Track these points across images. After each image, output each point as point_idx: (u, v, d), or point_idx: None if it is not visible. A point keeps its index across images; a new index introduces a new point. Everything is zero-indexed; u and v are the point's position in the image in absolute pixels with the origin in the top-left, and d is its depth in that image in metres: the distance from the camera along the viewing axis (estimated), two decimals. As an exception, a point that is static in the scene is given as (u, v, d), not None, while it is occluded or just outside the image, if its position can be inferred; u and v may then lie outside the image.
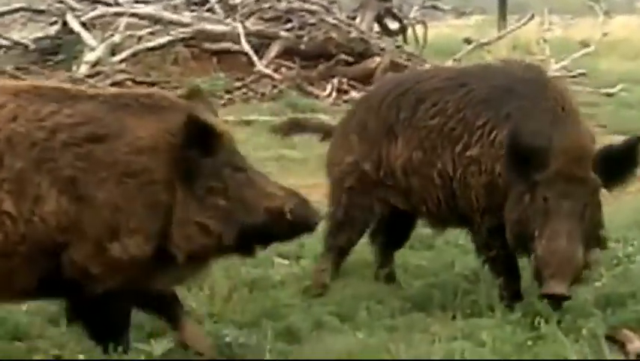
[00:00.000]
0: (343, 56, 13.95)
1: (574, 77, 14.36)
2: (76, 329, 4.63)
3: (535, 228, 4.48)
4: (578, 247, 4.41)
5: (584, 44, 16.34)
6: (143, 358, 4.04)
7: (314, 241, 6.16)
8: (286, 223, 4.14)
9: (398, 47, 15.22)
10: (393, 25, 16.02)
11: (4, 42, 15.31)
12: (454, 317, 4.40)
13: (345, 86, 13.56)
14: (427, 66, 14.62)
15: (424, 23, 15.98)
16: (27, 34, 15.19)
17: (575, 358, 3.95)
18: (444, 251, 5.81)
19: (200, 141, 4.01)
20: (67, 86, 4.61)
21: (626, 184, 4.59)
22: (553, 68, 14.62)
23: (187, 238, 4.00)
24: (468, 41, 16.09)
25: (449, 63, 14.78)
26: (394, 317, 4.81)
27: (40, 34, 15.03)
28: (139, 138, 3.98)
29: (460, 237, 5.59)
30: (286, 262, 5.85)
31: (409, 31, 15.96)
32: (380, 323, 4.70)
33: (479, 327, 4.36)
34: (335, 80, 13.50)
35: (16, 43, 15.12)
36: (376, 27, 15.61)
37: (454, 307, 4.76)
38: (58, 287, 4.02)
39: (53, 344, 4.50)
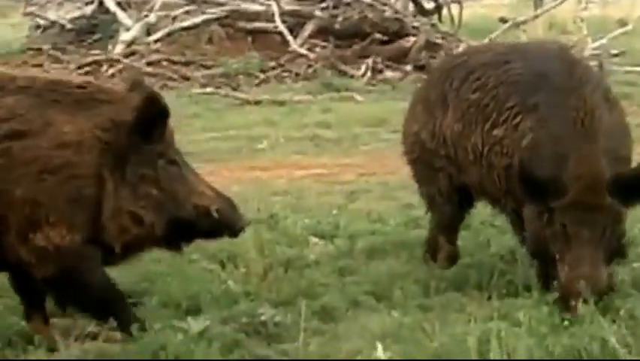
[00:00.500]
0: (378, 36, 13.90)
1: (614, 55, 14.20)
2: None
3: (555, 251, 4.46)
4: (601, 271, 4.38)
5: (622, 23, 16.15)
6: (180, 336, 4.06)
7: (349, 221, 6.19)
8: (211, 223, 4.24)
9: (433, 26, 15.12)
10: (429, 5, 15.91)
11: (42, 22, 15.45)
12: (489, 297, 4.38)
13: (379, 66, 13.51)
14: (462, 46, 14.56)
15: (459, 2, 15.85)
16: (64, 13, 15.27)
17: (612, 339, 3.92)
18: (480, 231, 5.78)
19: (151, 124, 4.10)
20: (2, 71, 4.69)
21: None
22: (590, 47, 14.47)
23: (121, 229, 4.09)
24: (503, 20, 15.94)
25: (485, 42, 14.68)
26: (429, 296, 4.80)
27: (76, 14, 15.12)
28: (62, 133, 4.01)
29: (496, 217, 5.56)
30: (321, 241, 5.86)
31: (444, 10, 15.84)
32: (415, 303, 4.69)
33: (515, 307, 4.33)
34: (369, 60, 13.46)
35: (53, 23, 15.23)
36: (411, 6, 15.52)
37: (490, 287, 4.74)
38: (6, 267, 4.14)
39: (90, 321, 4.53)
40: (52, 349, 4.11)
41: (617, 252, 4.53)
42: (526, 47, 5.49)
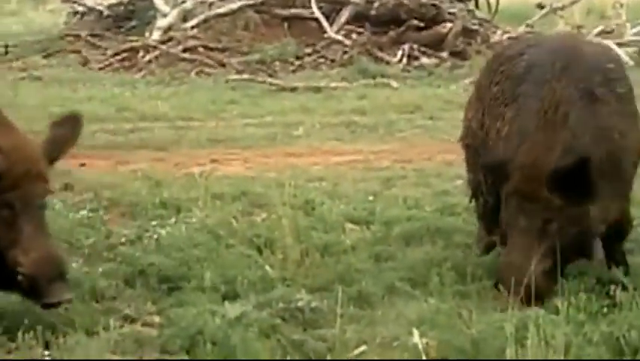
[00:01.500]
0: (414, 22, 13.84)
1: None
2: (151, 291, 4.75)
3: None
4: (527, 263, 4.28)
5: (662, 8, 15.96)
6: (217, 320, 4.08)
7: (385, 207, 6.18)
8: (21, 282, 3.94)
9: (469, 12, 15.03)
10: (465, -9, 15.81)
11: (80, 8, 15.55)
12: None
13: (415, 52, 13.47)
14: (499, 32, 14.47)
15: (496, -12, 15.75)
16: (101, 0, 15.38)
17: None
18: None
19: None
20: None
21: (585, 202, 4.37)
22: (630, 33, 14.31)
23: None
24: (541, 6, 15.81)
25: (521, 29, 14.60)
26: (466, 283, 4.78)
27: (114, 1, 15.22)
28: None
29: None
30: (357, 227, 5.86)
31: (481, -5, 15.75)
32: (452, 289, 4.68)
33: (553, 294, 4.32)
34: (406, 46, 13.42)
35: (91, 10, 15.34)
36: (448, -8, 15.42)
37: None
38: None
39: (129, 305, 4.58)
40: (91, 332, 4.15)
41: (577, 252, 4.47)
42: (544, 40, 5.52)
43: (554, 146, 4.39)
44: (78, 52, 13.75)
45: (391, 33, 13.77)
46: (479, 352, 3.91)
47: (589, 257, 4.63)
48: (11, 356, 3.94)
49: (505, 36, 14.39)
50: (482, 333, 3.97)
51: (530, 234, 4.35)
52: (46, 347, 3.99)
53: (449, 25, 13.98)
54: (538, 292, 4.24)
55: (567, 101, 4.51)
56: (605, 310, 4.15)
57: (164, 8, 14.06)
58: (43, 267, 3.95)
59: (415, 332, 3.91)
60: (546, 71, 4.67)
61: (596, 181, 4.30)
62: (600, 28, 14.72)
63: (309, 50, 13.46)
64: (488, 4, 15.62)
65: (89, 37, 14.16)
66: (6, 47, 14.08)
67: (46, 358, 3.87)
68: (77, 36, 14.34)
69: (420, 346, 3.84)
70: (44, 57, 13.66)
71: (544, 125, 4.48)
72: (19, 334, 4.00)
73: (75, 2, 15.70)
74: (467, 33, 14.20)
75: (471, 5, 15.50)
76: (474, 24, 14.49)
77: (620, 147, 4.56)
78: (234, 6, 13.92)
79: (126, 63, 13.13)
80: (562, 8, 15.73)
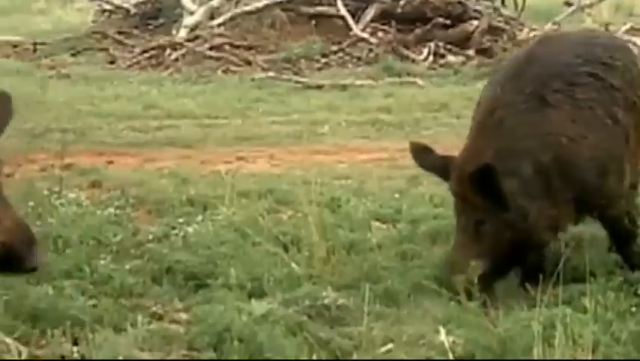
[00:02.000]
0: (440, 20, 13.80)
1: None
2: (178, 288, 4.77)
3: None
4: (469, 260, 4.40)
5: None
6: (244, 318, 4.10)
7: (411, 205, 6.18)
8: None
9: (496, 9, 14.97)
10: (492, -12, 15.75)
11: (107, 7, 15.64)
12: (555, 283, 4.34)
13: (441, 50, 13.44)
14: (525, 30, 14.41)
15: (523, -15, 15.68)
16: (129, -2, 15.46)
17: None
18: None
19: None
20: None
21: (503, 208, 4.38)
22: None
23: None
24: (568, 4, 15.73)
25: (548, 26, 14.52)
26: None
27: (141, -1, 15.29)
28: None
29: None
30: (383, 225, 5.86)
31: (508, -7, 15.68)
32: (478, 287, 4.66)
33: (581, 293, 4.30)
34: (432, 44, 13.39)
35: (118, 8, 15.42)
36: (474, -11, 15.37)
37: (555, 272, 4.70)
38: None
39: (156, 302, 4.60)
40: (119, 329, 4.18)
41: (516, 257, 4.51)
42: (548, 38, 5.56)
43: (485, 149, 4.44)
44: (106, 50, 13.83)
45: (417, 31, 13.75)
46: (506, 351, 3.90)
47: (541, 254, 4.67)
48: (41, 352, 3.98)
49: (532, 34, 14.31)
50: (509, 332, 3.96)
51: (466, 233, 4.47)
52: (75, 343, 4.02)
53: (475, 22, 13.94)
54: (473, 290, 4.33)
55: (505, 106, 4.52)
56: (634, 308, 4.13)
57: (191, 6, 14.11)
58: (20, 233, 3.91)
59: (442, 331, 3.91)
60: (502, 73, 4.75)
61: (537, 179, 4.40)
62: (629, 25, 14.62)
63: (335, 48, 13.46)
64: (515, 1, 15.54)
65: (116, 36, 14.24)
66: (34, 45, 14.18)
67: (75, 354, 3.90)
68: (105, 34, 14.42)
69: (446, 344, 3.84)
70: (72, 55, 13.75)
71: (481, 128, 4.56)
72: (49, 330, 4.04)
73: (103, 1, 15.78)
74: (494, 31, 14.15)
75: (497, 3, 15.44)
76: (500, 22, 14.43)
77: (571, 154, 4.52)
78: (261, 4, 13.95)
79: (153, 61, 13.19)
80: (590, 6, 15.64)
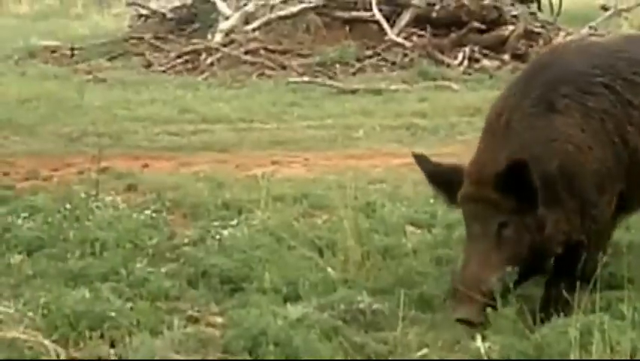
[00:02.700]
0: (475, 24, 13.75)
1: None
2: (214, 292, 4.79)
3: None
4: (490, 271, 4.14)
5: None
6: (279, 322, 4.11)
7: (446, 210, 6.14)
8: None
9: (532, 14, 14.90)
10: (528, -8, 15.68)
11: (144, 11, 15.75)
12: (592, 289, 4.31)
13: (476, 55, 13.39)
14: (561, 34, 14.32)
15: (559, -11, 15.59)
16: (165, 3, 15.56)
17: None
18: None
19: None
20: None
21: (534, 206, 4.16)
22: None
23: None
24: (605, 8, 15.62)
25: (584, 31, 14.43)
26: (529, 287, 4.74)
27: (177, 4, 15.40)
28: None
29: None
30: (418, 230, 5.85)
31: (544, -3, 15.60)
32: (514, 293, 4.63)
33: (618, 299, 4.26)
34: (467, 49, 13.35)
35: (155, 13, 15.53)
36: (510, -6, 15.31)
37: (593, 278, 4.66)
38: None
39: (192, 305, 4.62)
40: (155, 332, 4.20)
41: (535, 265, 4.29)
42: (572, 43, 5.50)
43: (499, 152, 4.28)
44: (142, 54, 13.93)
45: (452, 35, 13.71)
46: (542, 357, 3.88)
47: (544, 270, 4.43)
48: (78, 354, 4.01)
49: (568, 38, 14.23)
50: (546, 338, 3.94)
51: (486, 240, 4.21)
52: (112, 345, 4.05)
53: (511, 27, 13.88)
54: (491, 301, 4.11)
55: (511, 109, 4.37)
56: (672, 316, 4.09)
57: (227, 11, 14.17)
58: None
59: (478, 336, 3.89)
60: (516, 78, 4.65)
61: (544, 188, 4.16)
62: (666, 29, 14.50)
63: (369, 53, 13.45)
64: (551, 5, 15.46)
65: (152, 40, 14.34)
66: (72, 50, 14.31)
67: (112, 356, 3.93)
68: (141, 39, 14.52)
69: (482, 350, 3.83)
70: (109, 60, 13.86)
71: (489, 132, 4.42)
72: (86, 332, 4.07)
73: (139, 5, 15.90)
74: (529, 35, 14.07)
75: (533, 7, 15.36)
76: (536, 26, 14.35)
77: (576, 163, 4.32)
78: (295, 9, 13.98)
79: (189, 65, 13.26)
80: (627, 10, 15.51)
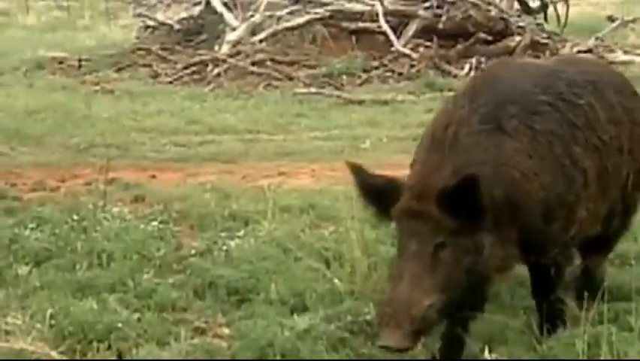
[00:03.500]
0: (482, 35, 13.76)
1: None
2: (221, 303, 4.80)
3: None
4: (422, 295, 3.78)
5: None
6: (286, 333, 4.11)
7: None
8: None
9: (538, 25, 14.90)
10: (534, 3, 15.69)
11: (151, 23, 15.79)
12: (600, 301, 4.30)
13: (483, 66, 13.34)
14: (568, 45, 14.33)
15: (565, 0, 15.60)
16: (172, 14, 15.59)
17: None
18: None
19: None
20: None
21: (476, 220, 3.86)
22: None
23: None
24: (611, 19, 15.61)
25: (591, 42, 14.43)
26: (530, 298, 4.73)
27: (184, 15, 15.41)
28: None
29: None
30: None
31: (550, 8, 15.60)
32: (522, 304, 4.64)
33: (626, 311, 4.25)
34: (473, 60, 13.35)
35: (162, 24, 15.55)
36: (516, 5, 15.32)
37: (601, 290, 4.65)
38: None
39: (199, 317, 4.63)
40: (162, 343, 4.20)
41: (471, 293, 3.94)
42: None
43: (444, 165, 3.97)
44: (149, 66, 13.96)
45: (459, 46, 13.72)
46: (550, 368, 3.88)
47: (481, 305, 4.13)
48: (86, 366, 4.02)
49: (575, 49, 14.23)
50: (553, 350, 3.94)
51: (420, 261, 3.85)
52: (119, 356, 4.06)
53: (517, 38, 13.89)
54: (421, 328, 3.80)
55: (459, 123, 4.08)
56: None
57: (234, 22, 14.20)
58: None
59: (486, 348, 3.89)
60: (461, 92, 4.35)
61: (487, 207, 3.88)
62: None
63: (376, 64, 13.46)
64: (557, 17, 15.46)
65: (159, 51, 14.36)
66: (79, 61, 14.34)
67: (119, 368, 3.94)
68: (148, 50, 14.55)
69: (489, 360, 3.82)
70: (116, 71, 13.89)
71: (434, 143, 4.10)
72: (94, 343, 4.08)
73: (146, 17, 15.93)
74: (536, 46, 14.07)
75: (540, 18, 15.37)
76: (543, 37, 14.36)
77: (521, 191, 4.07)
78: (302, 20, 14.00)
79: (196, 76, 13.28)
80: (633, 21, 15.50)
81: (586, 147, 4.29)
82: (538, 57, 13.73)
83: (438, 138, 4.10)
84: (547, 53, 13.98)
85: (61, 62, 14.44)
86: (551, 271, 4.29)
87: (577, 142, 4.27)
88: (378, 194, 4.09)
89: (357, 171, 4.18)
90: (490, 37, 13.83)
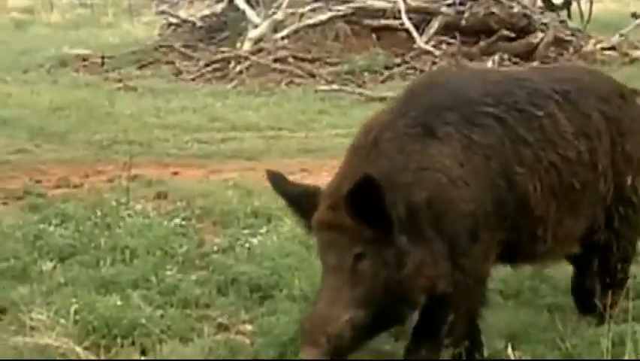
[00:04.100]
0: (505, 32, 13.72)
1: None
2: (243, 299, 4.81)
3: None
4: (339, 311, 3.53)
5: None
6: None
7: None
8: None
9: (562, 21, 14.84)
10: (557, 0, 15.63)
11: (173, 20, 15.85)
12: (624, 298, 4.27)
13: (506, 62, 13.34)
14: (591, 42, 14.26)
15: (589, -3, 15.54)
16: (194, 11, 15.64)
17: None
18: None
19: None
20: None
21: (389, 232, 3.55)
22: None
23: None
24: (635, 16, 15.52)
25: (614, 39, 14.35)
26: (559, 295, 4.72)
27: (207, 12, 15.47)
28: None
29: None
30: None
31: (574, 5, 15.53)
32: (545, 302, 4.62)
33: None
34: (496, 56, 13.31)
35: (184, 21, 15.61)
36: (539, 2, 15.27)
37: (625, 288, 4.62)
38: None
39: (222, 313, 4.64)
40: (185, 339, 4.22)
41: (394, 308, 3.64)
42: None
43: (361, 172, 3.60)
44: (171, 63, 14.01)
45: (482, 43, 13.69)
46: (573, 367, 3.86)
47: (402, 320, 3.78)
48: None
49: (598, 46, 14.17)
50: (577, 348, 3.92)
51: (340, 274, 3.58)
52: (143, 352, 4.08)
53: (540, 35, 13.83)
54: (339, 345, 3.54)
55: (383, 127, 3.79)
56: None
57: (256, 19, 14.23)
58: None
59: (509, 345, 3.87)
60: (399, 95, 4.06)
61: (409, 220, 3.60)
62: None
63: (398, 61, 13.46)
64: (581, 13, 15.39)
65: (182, 49, 14.42)
66: (102, 58, 14.42)
67: (143, 363, 3.96)
68: (171, 47, 14.61)
69: (512, 358, 3.80)
70: (139, 68, 13.96)
71: (355, 150, 3.83)
72: (118, 339, 4.10)
73: (169, 14, 15.99)
74: (559, 43, 14.02)
75: (563, 15, 15.30)
76: (566, 34, 14.30)
77: (447, 198, 3.71)
78: (324, 17, 14.01)
79: (218, 74, 13.32)
80: (658, 17, 15.40)
81: (535, 167, 3.89)
82: (561, 54, 13.71)
83: (358, 145, 3.84)
84: (571, 49, 13.93)
85: (84, 60, 14.53)
86: (451, 308, 3.79)
87: (522, 161, 3.86)
88: (297, 204, 3.85)
89: (274, 179, 3.92)
90: (512, 34, 13.79)
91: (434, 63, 13.29)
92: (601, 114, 4.14)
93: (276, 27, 14.07)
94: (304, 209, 3.79)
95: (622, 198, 4.24)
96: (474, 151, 3.77)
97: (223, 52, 13.92)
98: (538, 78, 4.13)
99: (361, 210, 3.52)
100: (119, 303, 4.39)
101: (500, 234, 3.85)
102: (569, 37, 14.24)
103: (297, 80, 12.83)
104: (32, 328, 4.12)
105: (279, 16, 14.16)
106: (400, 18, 13.92)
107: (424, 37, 13.80)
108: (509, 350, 3.85)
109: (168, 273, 5.00)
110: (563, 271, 4.98)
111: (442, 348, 3.78)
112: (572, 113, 4.05)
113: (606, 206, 4.21)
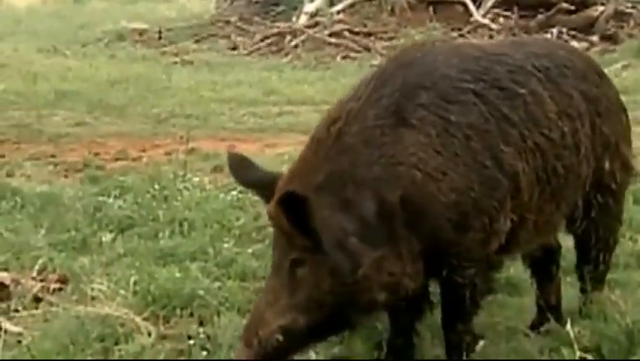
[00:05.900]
0: (564, 5, 13.52)
1: None
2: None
3: None
4: (274, 316, 3.32)
5: None
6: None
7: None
8: None
9: (623, -6, 14.59)
10: (618, -28, 15.36)
11: (232, -6, 15.88)
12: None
13: (564, 36, 13.16)
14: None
15: (651, -31, 15.22)
16: (251, -14, 15.68)
17: None
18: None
19: None
20: None
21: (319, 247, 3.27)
22: None
23: None
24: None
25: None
26: (618, 271, 4.67)
27: (263, -14, 15.49)
28: None
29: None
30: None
31: (635, -23, 15.24)
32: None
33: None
34: (555, 30, 13.14)
35: (242, -4, 15.64)
36: (600, -26, 15.02)
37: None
38: None
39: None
40: (243, 311, 4.25)
41: (335, 318, 3.40)
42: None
43: (316, 170, 3.38)
44: (227, 37, 14.07)
45: (540, 16, 13.51)
46: (633, 342, 3.82)
47: (355, 325, 3.56)
48: (169, 332, 4.08)
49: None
50: (637, 324, 3.87)
51: (279, 276, 3.37)
52: (201, 324, 4.12)
53: (600, 7, 13.61)
54: (272, 349, 3.34)
55: (350, 118, 3.48)
56: None
57: (311, -7, 14.22)
58: None
59: (568, 321, 3.84)
60: (367, 76, 3.68)
61: (377, 219, 3.34)
62: None
63: (454, 34, 13.34)
64: (642, -15, 15.10)
65: (238, 23, 14.46)
66: (159, 32, 14.52)
67: (201, 335, 3.98)
68: (227, 21, 14.67)
69: (572, 335, 3.77)
70: (195, 42, 14.03)
71: (314, 143, 3.50)
72: (177, 311, 4.15)
73: (225, -12, 16.04)
74: (619, 16, 13.78)
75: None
76: (627, 7, 14.05)
77: (424, 194, 3.41)
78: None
79: (273, 48, 13.34)
80: None
81: (521, 147, 3.59)
82: (621, 27, 13.47)
83: (318, 137, 3.50)
84: (632, 22, 13.69)
85: (141, 34, 14.65)
86: (466, 294, 3.60)
87: (508, 141, 3.55)
88: (258, 189, 3.62)
89: (232, 162, 3.63)
90: (572, 7, 13.58)
91: (491, 37, 13.16)
92: (580, 93, 3.84)
93: (332, 1, 14.04)
94: (264, 196, 3.52)
95: (600, 185, 3.95)
96: (451, 134, 3.47)
97: (279, 26, 13.93)
98: (518, 54, 3.79)
99: (291, 221, 3.27)
100: (177, 275, 4.44)
101: (521, 212, 3.59)
102: (629, 10, 13.99)
103: (353, 54, 12.80)
104: (93, 298, 4.18)
105: (335, -11, 14.14)
106: (456, -9, 13.81)
107: (481, 11, 13.66)
108: (568, 325, 3.83)
109: (225, 246, 5.03)
110: (624, 246, 4.93)
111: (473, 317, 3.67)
112: (554, 91, 3.75)
113: (585, 193, 3.91)
